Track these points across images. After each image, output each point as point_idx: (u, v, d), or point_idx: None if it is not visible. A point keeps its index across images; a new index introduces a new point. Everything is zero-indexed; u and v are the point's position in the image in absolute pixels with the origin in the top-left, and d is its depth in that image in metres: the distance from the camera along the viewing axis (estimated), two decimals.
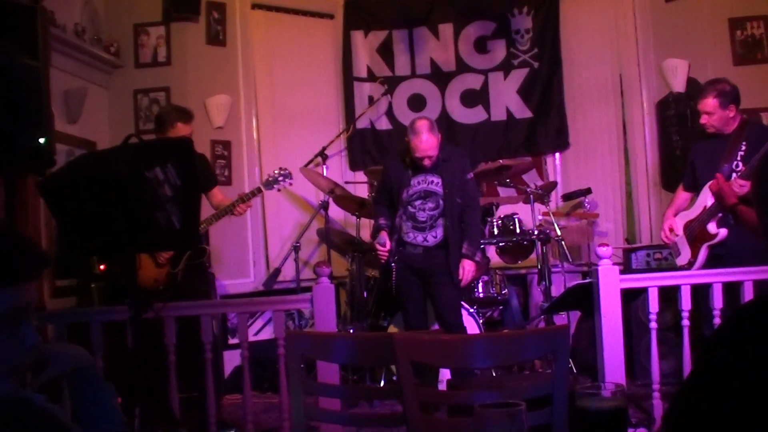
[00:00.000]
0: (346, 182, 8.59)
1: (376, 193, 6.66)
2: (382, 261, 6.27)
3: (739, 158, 5.48)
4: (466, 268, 6.23)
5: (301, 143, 8.68)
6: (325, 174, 8.08)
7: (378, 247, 6.23)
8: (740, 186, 5.12)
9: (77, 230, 4.24)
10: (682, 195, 6.16)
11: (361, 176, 8.86)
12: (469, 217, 6.31)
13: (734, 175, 5.40)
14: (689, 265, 5.75)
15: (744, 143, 5.48)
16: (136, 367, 4.39)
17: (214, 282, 7.09)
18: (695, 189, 5.92)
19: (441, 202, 6.20)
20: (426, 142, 6.10)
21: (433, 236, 6.21)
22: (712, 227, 5.60)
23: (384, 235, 6.22)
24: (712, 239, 5.61)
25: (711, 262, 5.63)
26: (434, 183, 6.21)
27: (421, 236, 6.23)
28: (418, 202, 6.21)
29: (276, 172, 6.55)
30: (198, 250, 6.14)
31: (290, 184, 6.72)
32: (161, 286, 6.04)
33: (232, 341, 7.29)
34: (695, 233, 5.74)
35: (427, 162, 6.14)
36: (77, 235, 4.27)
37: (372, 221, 6.83)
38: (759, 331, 1.78)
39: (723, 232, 5.56)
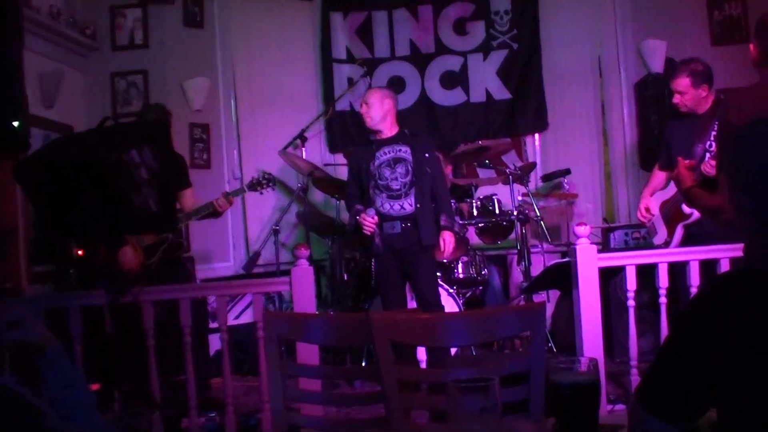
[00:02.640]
0: (326, 164, 8.57)
1: (347, 186, 6.65)
2: (368, 233, 6.20)
3: (712, 138, 5.47)
4: (447, 240, 6.25)
5: (280, 126, 8.64)
6: (304, 157, 8.05)
7: (367, 219, 6.17)
8: (712, 167, 5.13)
9: (53, 214, 4.22)
10: (658, 175, 6.17)
11: (340, 158, 8.85)
12: (440, 190, 6.35)
13: (708, 155, 5.40)
14: (666, 245, 5.77)
15: (717, 123, 5.47)
16: (115, 351, 4.39)
17: (194, 271, 7.06)
18: (670, 168, 5.92)
19: (411, 168, 6.21)
20: (366, 93, 6.43)
21: (409, 204, 6.19)
22: (686, 207, 5.62)
23: (371, 209, 6.21)
24: (687, 219, 5.63)
25: (687, 242, 5.66)
26: (402, 151, 6.25)
27: (398, 204, 6.20)
28: (387, 171, 6.21)
29: (260, 175, 6.56)
30: (174, 243, 6.15)
31: (273, 189, 6.76)
32: (132, 277, 6.00)
33: (213, 325, 7.27)
34: (671, 213, 5.76)
35: (364, 109, 6.30)
36: (53, 220, 4.26)
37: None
38: (731, 304, 1.80)
39: (697, 212, 5.58)
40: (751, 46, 4.72)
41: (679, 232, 5.69)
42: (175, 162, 6.28)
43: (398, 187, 6.20)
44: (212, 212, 6.27)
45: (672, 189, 5.79)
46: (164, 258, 6.11)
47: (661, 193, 5.97)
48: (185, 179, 6.46)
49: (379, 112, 6.26)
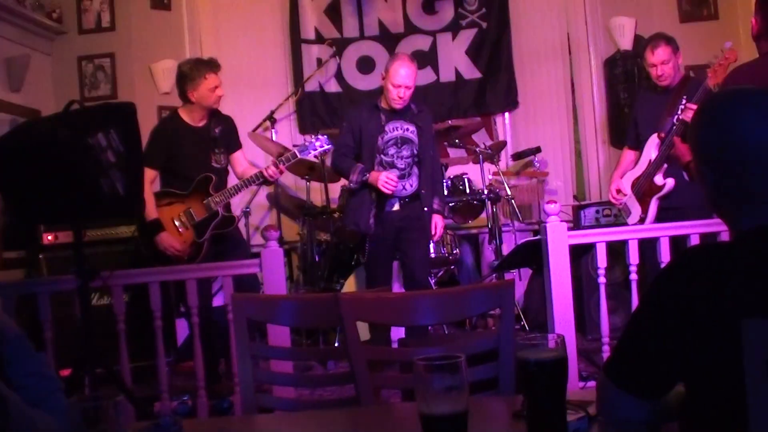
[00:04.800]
0: (295, 146, 8.52)
1: (341, 144, 6.34)
2: (390, 191, 6.02)
3: (680, 112, 5.53)
4: (439, 224, 6.25)
5: (250, 107, 8.59)
6: (274, 138, 8.01)
7: (389, 178, 5.99)
8: (690, 109, 5.25)
9: (21, 199, 4.19)
10: (627, 155, 6.21)
11: (310, 140, 8.80)
12: (437, 173, 6.35)
13: (675, 127, 5.47)
14: (641, 222, 5.81)
15: (685, 97, 5.52)
16: (86, 336, 4.36)
17: (248, 249, 6.86)
18: (638, 147, 5.97)
19: (416, 150, 6.13)
20: (407, 68, 6.04)
21: (410, 185, 6.16)
22: (658, 179, 5.67)
23: (395, 170, 6.10)
24: (660, 191, 5.67)
25: (659, 215, 5.70)
26: (410, 131, 6.15)
27: (401, 184, 6.10)
28: (392, 150, 6.13)
29: (313, 137, 6.38)
30: (225, 218, 6.07)
31: (326, 151, 6.53)
32: (185, 256, 5.94)
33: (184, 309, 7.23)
34: (643, 189, 5.80)
35: (402, 94, 6.03)
36: (21, 204, 4.23)
37: (336, 180, 6.70)
38: (697, 278, 1.80)
39: (670, 182, 5.63)
40: (753, 20, 4.78)
41: (653, 205, 5.74)
42: (226, 125, 6.27)
43: (403, 166, 6.13)
44: (264, 181, 6.19)
45: (642, 166, 5.85)
46: (216, 234, 6.03)
47: (631, 173, 6.01)
48: (236, 141, 6.39)
49: (412, 92, 6.15)
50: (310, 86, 8.92)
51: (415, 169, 6.18)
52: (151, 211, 5.87)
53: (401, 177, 6.12)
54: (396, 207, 6.17)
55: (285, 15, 9.05)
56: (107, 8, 7.98)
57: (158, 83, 8.07)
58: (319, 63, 8.88)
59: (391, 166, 6.13)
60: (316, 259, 7.26)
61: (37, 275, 6.35)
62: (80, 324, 4.41)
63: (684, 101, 5.47)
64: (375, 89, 8.69)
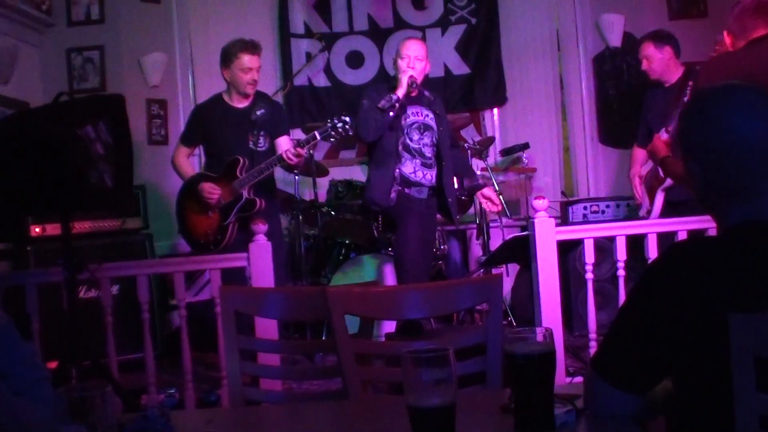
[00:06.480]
0: (317, 129, 8.48)
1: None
2: (416, 78, 5.83)
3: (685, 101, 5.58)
4: (493, 196, 6.28)
5: None
6: None
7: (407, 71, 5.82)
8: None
9: (8, 190, 4.18)
10: (638, 154, 6.29)
11: (299, 134, 8.78)
12: (461, 156, 6.42)
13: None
14: (648, 214, 5.86)
15: (689, 89, 5.55)
16: (73, 328, 4.35)
17: (282, 243, 6.69)
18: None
19: (435, 138, 5.98)
20: (417, 43, 6.09)
21: (435, 175, 6.01)
22: (662, 171, 5.71)
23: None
24: (664, 183, 5.72)
25: (668, 212, 5.73)
26: (429, 117, 5.99)
27: (430, 173, 5.96)
28: (416, 135, 5.91)
29: (336, 119, 5.86)
30: (249, 201, 5.93)
31: (350, 133, 5.96)
32: (211, 238, 5.96)
33: (173, 302, 7.21)
34: (650, 183, 5.87)
35: (413, 64, 5.87)
36: (9, 196, 4.22)
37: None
38: (684, 272, 1.81)
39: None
40: (725, 33, 4.89)
41: (659, 197, 5.78)
42: (272, 109, 6.24)
43: (429, 155, 5.96)
44: (286, 167, 6.06)
45: (651, 163, 5.90)
46: (243, 218, 5.91)
47: (642, 168, 6.11)
48: (282, 127, 6.32)
49: (425, 70, 6.04)
50: (299, 81, 8.91)
51: (437, 162, 6.02)
52: (188, 172, 6.17)
53: (428, 167, 5.96)
54: (423, 195, 6.00)
55: (274, 9, 9.04)
56: (96, 1, 7.94)
57: (147, 76, 8.04)
58: (308, 57, 8.87)
59: (420, 154, 5.91)
60: (303, 253, 7.25)
61: (24, 267, 6.32)
62: (67, 316, 4.40)
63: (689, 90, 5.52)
64: (364, 83, 8.71)
